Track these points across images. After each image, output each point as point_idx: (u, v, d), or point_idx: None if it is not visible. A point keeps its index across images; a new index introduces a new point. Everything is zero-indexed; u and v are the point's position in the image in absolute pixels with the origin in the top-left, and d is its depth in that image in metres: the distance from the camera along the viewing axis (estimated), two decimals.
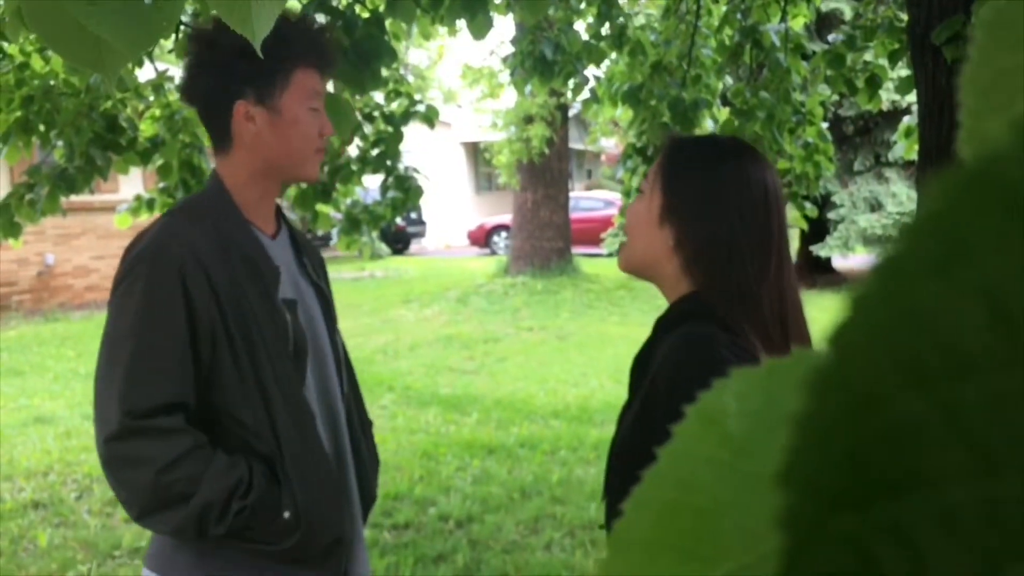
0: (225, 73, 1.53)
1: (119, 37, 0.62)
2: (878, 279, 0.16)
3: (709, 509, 0.23)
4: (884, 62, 4.12)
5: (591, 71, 4.38)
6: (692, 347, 1.21)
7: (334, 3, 2.92)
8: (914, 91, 3.18)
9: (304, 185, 3.92)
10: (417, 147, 4.91)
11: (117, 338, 1.47)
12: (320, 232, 4.29)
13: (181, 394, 1.46)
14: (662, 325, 1.32)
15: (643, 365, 1.32)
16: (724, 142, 1.42)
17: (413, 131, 4.20)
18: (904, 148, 4.34)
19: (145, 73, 3.95)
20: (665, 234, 1.30)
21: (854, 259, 13.78)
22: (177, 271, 1.45)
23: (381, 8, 3.02)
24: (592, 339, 8.87)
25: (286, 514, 1.48)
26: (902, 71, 4.32)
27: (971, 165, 0.15)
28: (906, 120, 4.32)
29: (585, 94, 4.41)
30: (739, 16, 4.13)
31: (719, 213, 1.27)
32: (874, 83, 4.15)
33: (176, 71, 4.33)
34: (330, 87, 2.98)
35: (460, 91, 17.99)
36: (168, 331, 1.45)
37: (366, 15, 2.90)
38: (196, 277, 1.46)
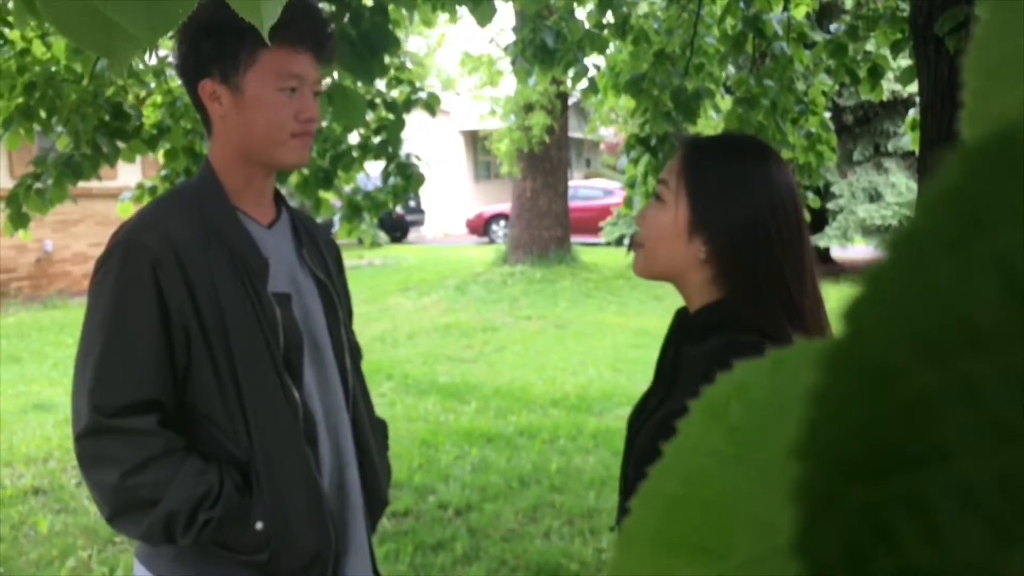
0: (194, 49, 1.47)
1: (136, 22, 0.61)
2: (893, 254, 0.16)
3: (717, 502, 0.23)
4: (886, 52, 4.12)
5: (592, 60, 4.37)
6: (741, 355, 1.18)
7: None
8: (915, 81, 3.18)
9: (306, 171, 3.92)
10: (416, 135, 4.91)
11: (89, 333, 1.43)
12: (319, 219, 4.29)
13: (154, 393, 1.40)
14: (688, 332, 1.28)
15: (665, 370, 1.30)
16: (744, 144, 1.36)
17: (412, 119, 4.19)
18: (910, 140, 4.34)
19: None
20: (695, 247, 1.26)
21: (853, 249, 13.78)
22: (149, 265, 1.39)
23: None
24: (590, 328, 8.88)
25: (258, 525, 1.42)
26: (903, 61, 4.32)
27: (986, 140, 0.15)
28: (912, 112, 4.32)
29: (585, 82, 4.40)
30: (742, 5, 4.12)
31: (753, 224, 1.23)
32: (876, 73, 4.15)
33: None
34: (335, 76, 2.99)
35: (459, 79, 17.95)
36: (139, 328, 1.40)
37: (369, 3, 2.90)
38: (170, 271, 1.40)
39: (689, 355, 1.27)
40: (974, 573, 0.16)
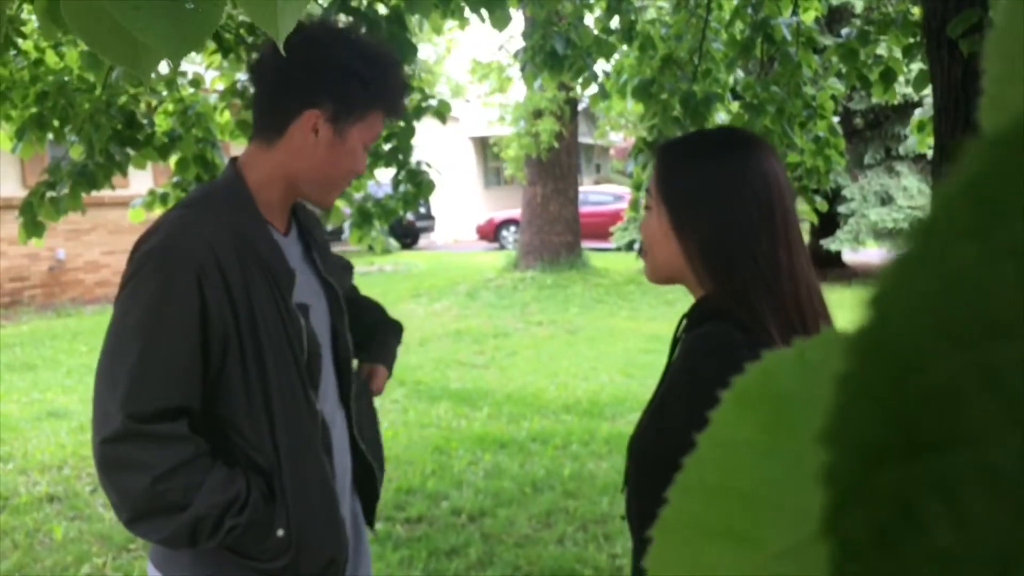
0: (319, 78, 1.49)
1: (161, 41, 0.62)
2: (915, 243, 0.16)
3: (753, 491, 0.23)
4: (898, 55, 4.11)
5: (600, 65, 4.38)
6: (708, 346, 1.22)
7: (353, 3, 2.93)
8: (925, 86, 3.17)
9: None
10: (426, 141, 4.93)
11: (124, 336, 1.40)
12: (330, 227, 4.29)
13: (187, 399, 1.41)
14: (685, 326, 1.32)
15: (669, 364, 1.33)
16: (712, 139, 1.39)
17: (421, 125, 4.19)
18: (917, 142, 4.33)
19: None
20: (679, 246, 1.30)
21: (864, 253, 13.73)
22: (193, 270, 1.39)
23: (398, 4, 3.03)
24: (602, 333, 8.87)
25: (279, 532, 1.44)
26: (915, 65, 4.30)
27: (1004, 129, 0.16)
28: (918, 113, 4.31)
29: (594, 88, 4.41)
30: (750, 10, 4.12)
31: (720, 218, 1.26)
32: (888, 77, 4.14)
33: (189, 66, 4.34)
34: None
35: (468, 86, 18.00)
36: (179, 333, 1.39)
37: (384, 12, 2.91)
38: (212, 277, 1.40)
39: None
40: (1000, 554, 0.16)
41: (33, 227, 3.90)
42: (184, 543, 1.40)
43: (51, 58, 3.88)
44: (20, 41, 3.72)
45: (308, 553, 1.47)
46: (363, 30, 2.71)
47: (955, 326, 0.16)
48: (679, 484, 0.23)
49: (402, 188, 4.20)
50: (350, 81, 1.48)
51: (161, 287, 1.40)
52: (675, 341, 1.34)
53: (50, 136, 3.91)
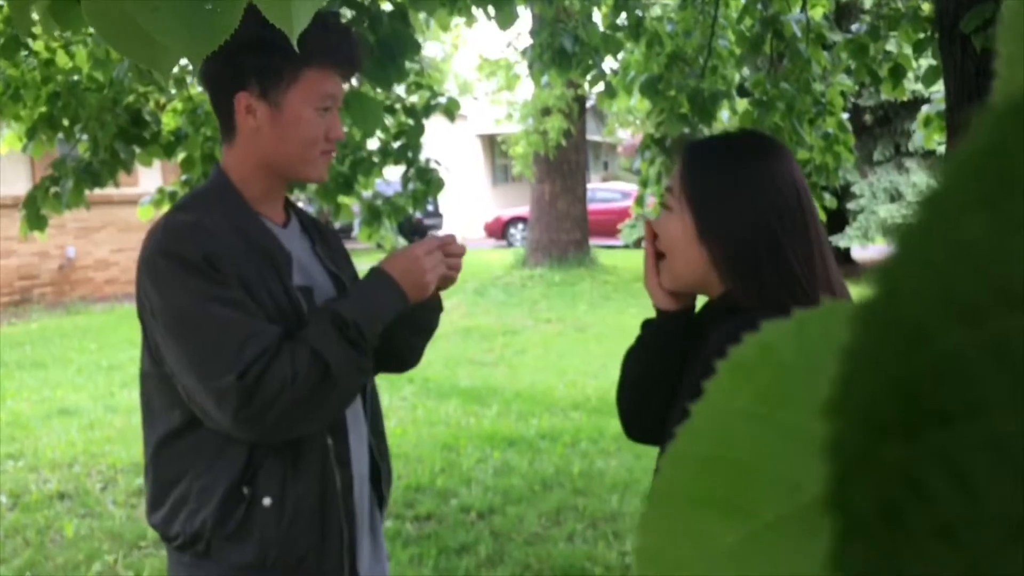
0: (233, 61, 1.48)
1: (180, 41, 0.62)
2: (924, 214, 0.16)
3: (746, 461, 0.23)
4: (908, 51, 4.10)
5: (608, 63, 4.38)
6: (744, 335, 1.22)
7: None
8: (938, 82, 3.15)
9: None
10: (433, 139, 4.92)
11: (184, 322, 1.41)
12: (339, 224, 4.30)
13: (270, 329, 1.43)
14: (708, 316, 1.31)
15: (688, 356, 1.32)
16: (742, 142, 1.37)
17: (429, 123, 4.20)
18: (923, 137, 4.31)
19: None
20: (705, 251, 1.28)
21: (874, 250, 13.68)
22: (201, 254, 1.41)
23: (403, 1, 3.03)
24: (611, 331, 8.86)
25: (266, 500, 1.46)
26: (924, 61, 4.28)
27: (1013, 100, 0.16)
28: (925, 109, 4.29)
29: (601, 85, 4.40)
30: (759, 6, 4.11)
31: (754, 224, 1.24)
32: (898, 73, 4.12)
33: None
34: (353, 82, 3.00)
35: (476, 83, 17.99)
36: (226, 294, 1.41)
37: (388, 8, 2.92)
38: (220, 262, 1.42)
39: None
40: (1006, 527, 0.16)
41: (35, 220, 3.91)
42: (354, 351, 1.45)
43: (62, 58, 3.89)
44: (31, 42, 3.73)
45: (298, 530, 1.49)
46: (366, 24, 2.71)
47: (963, 297, 0.16)
48: (670, 453, 0.23)
49: (411, 186, 4.20)
50: (263, 51, 1.46)
51: (182, 276, 1.41)
52: (694, 327, 1.33)
53: (60, 135, 3.93)
